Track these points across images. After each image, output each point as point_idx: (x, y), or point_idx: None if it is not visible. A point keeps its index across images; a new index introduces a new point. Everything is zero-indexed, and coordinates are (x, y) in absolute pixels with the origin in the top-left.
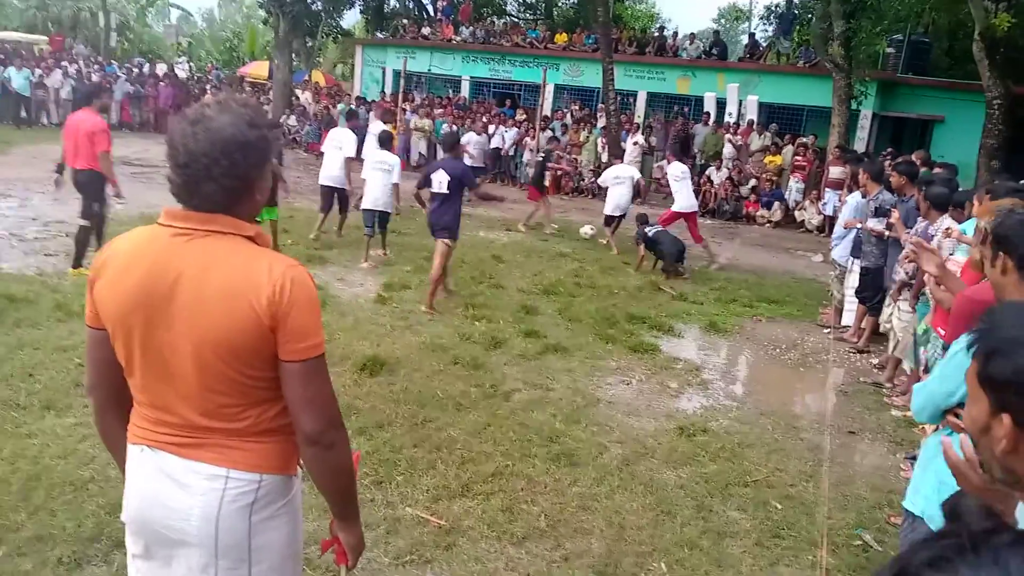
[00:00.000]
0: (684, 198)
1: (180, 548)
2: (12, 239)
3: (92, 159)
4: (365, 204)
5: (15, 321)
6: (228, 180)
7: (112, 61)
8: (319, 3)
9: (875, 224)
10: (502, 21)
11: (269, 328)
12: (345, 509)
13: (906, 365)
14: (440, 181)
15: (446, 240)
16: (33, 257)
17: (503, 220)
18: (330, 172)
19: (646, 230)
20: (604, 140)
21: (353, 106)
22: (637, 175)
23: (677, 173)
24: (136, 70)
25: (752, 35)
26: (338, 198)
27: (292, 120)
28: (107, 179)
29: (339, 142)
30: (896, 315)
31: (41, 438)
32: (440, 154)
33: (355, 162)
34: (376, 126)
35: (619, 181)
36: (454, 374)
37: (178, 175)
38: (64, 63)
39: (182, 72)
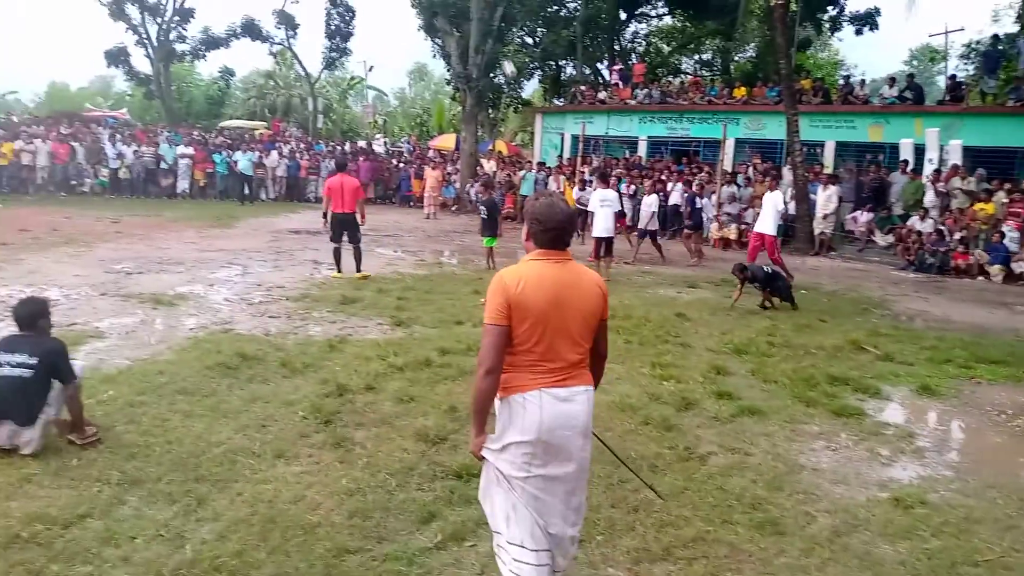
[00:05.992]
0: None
1: (572, 439)
2: (241, 303)
3: (353, 205)
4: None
5: (248, 377)
6: (571, 234)
7: (319, 140)
8: (501, 77)
9: None
10: (678, 80)
11: (604, 301)
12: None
13: None
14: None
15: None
16: (259, 319)
17: (685, 277)
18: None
19: (766, 270)
20: (793, 192)
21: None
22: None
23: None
24: (338, 148)
25: (952, 76)
26: (606, 245)
27: (475, 188)
28: (360, 216)
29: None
30: None
31: (274, 484)
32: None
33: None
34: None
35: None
36: (646, 435)
37: (550, 234)
38: (279, 143)
39: (379, 147)
